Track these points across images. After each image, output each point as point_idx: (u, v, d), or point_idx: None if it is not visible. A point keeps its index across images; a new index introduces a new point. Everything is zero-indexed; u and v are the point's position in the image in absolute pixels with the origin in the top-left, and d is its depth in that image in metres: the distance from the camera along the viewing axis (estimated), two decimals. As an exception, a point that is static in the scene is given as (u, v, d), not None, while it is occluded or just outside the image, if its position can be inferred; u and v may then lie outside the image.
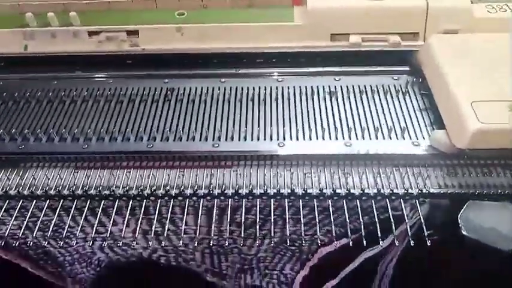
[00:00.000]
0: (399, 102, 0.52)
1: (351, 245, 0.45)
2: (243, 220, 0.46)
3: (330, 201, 0.46)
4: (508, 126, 0.42)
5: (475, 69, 0.47)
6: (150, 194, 0.46)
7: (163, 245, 0.52)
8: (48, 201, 0.47)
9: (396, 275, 0.55)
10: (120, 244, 0.52)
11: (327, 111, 0.52)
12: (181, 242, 0.46)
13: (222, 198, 0.46)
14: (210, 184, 0.46)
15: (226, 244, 0.51)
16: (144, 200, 0.46)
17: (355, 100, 0.53)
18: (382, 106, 0.52)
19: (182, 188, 0.46)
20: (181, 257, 0.56)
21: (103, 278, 0.61)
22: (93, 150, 0.48)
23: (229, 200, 0.46)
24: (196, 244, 0.51)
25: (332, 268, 0.52)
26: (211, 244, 0.52)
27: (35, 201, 0.46)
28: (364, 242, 0.44)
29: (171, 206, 0.46)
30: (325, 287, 0.52)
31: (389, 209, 0.44)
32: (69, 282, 0.62)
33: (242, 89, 0.55)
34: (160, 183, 0.47)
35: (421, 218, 0.44)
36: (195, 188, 0.46)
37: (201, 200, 0.46)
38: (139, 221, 0.47)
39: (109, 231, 0.47)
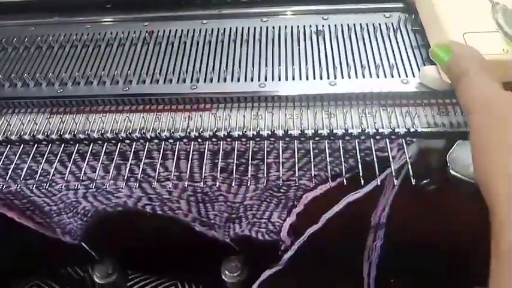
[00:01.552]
0: (390, 40, 0.49)
1: (330, 186, 0.43)
2: (219, 164, 0.44)
3: (311, 142, 0.44)
4: (501, 57, 0.39)
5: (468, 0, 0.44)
6: (125, 137, 0.45)
7: (144, 190, 0.51)
8: (22, 146, 0.46)
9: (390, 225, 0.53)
10: (102, 192, 0.52)
11: (312, 51, 0.49)
12: (155, 185, 0.44)
13: (199, 140, 0.44)
14: (188, 127, 0.44)
15: (208, 189, 0.50)
16: (119, 143, 0.45)
17: (343, 39, 0.50)
18: (371, 44, 0.49)
19: (159, 131, 0.44)
20: (166, 206, 0.55)
21: (92, 228, 0.61)
22: (68, 95, 0.47)
23: (207, 142, 0.44)
24: (175, 189, 0.50)
25: (319, 214, 0.51)
26: (192, 189, 0.51)
27: (8, 146, 0.46)
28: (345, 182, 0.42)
29: (145, 149, 0.45)
30: (308, 232, 0.50)
31: (374, 151, 0.42)
32: (59, 233, 0.62)
33: (224, 30, 0.52)
34: (136, 127, 0.45)
35: (407, 158, 0.41)
36: (172, 130, 0.44)
37: (177, 144, 0.45)
38: (115, 166, 0.46)
39: (88, 178, 0.46)
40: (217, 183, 0.48)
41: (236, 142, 0.44)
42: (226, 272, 0.68)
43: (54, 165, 0.45)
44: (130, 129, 0.45)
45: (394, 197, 0.50)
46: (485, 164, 0.29)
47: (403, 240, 0.56)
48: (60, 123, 0.46)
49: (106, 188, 0.48)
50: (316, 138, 0.44)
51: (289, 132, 0.43)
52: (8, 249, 0.67)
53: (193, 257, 0.70)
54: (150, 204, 0.55)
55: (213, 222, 0.58)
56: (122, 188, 0.52)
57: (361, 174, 0.41)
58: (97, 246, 0.65)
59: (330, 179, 0.42)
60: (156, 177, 0.44)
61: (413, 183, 0.40)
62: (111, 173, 0.46)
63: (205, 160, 0.44)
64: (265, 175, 0.45)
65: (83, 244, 0.64)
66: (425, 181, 0.50)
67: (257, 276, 0.66)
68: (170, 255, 0.70)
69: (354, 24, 0.51)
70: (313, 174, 0.44)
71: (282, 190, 0.51)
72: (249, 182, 0.49)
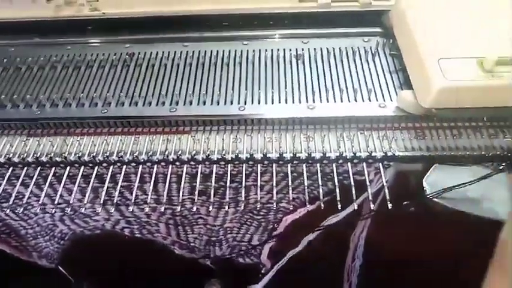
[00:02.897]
0: (368, 64, 0.50)
1: (308, 210, 0.43)
2: (197, 187, 0.44)
3: (289, 165, 0.44)
4: (475, 83, 0.40)
5: (444, 25, 0.45)
6: (103, 161, 0.44)
7: (122, 213, 0.51)
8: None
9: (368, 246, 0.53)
10: (80, 215, 0.51)
11: (292, 75, 0.49)
12: (132, 208, 0.44)
13: (177, 164, 0.44)
14: (166, 150, 0.44)
15: (187, 212, 0.49)
16: (96, 167, 0.44)
17: (322, 63, 0.50)
18: (350, 68, 0.49)
19: (137, 154, 0.44)
20: (145, 229, 0.54)
21: (69, 251, 0.60)
22: (45, 116, 0.46)
23: (185, 166, 0.44)
24: (153, 212, 0.50)
25: (298, 237, 0.51)
26: (171, 213, 0.50)
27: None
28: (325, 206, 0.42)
29: (123, 172, 0.44)
30: (288, 255, 0.50)
31: (351, 174, 0.42)
32: (35, 257, 0.60)
33: (205, 52, 0.52)
34: (114, 149, 0.45)
35: (384, 182, 0.42)
36: (150, 153, 0.44)
37: (155, 167, 0.44)
38: (92, 189, 0.45)
39: (64, 201, 0.46)
40: (195, 207, 0.47)
41: (214, 165, 0.44)
42: (208, 295, 0.67)
43: (30, 188, 0.45)
44: (108, 152, 0.44)
45: (374, 218, 0.50)
46: None
47: (382, 260, 0.56)
48: (37, 146, 0.45)
49: (83, 211, 0.47)
50: (295, 162, 0.44)
51: (267, 156, 0.43)
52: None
53: (174, 280, 0.69)
54: (128, 227, 0.54)
55: (193, 245, 0.57)
56: (99, 212, 0.51)
57: (338, 198, 0.41)
58: (74, 269, 0.64)
59: (307, 202, 0.42)
60: (134, 200, 0.43)
61: (390, 207, 0.40)
62: (87, 196, 0.45)
63: (182, 183, 0.43)
64: (243, 198, 0.45)
65: (60, 268, 0.63)
66: (405, 203, 0.50)
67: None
68: (151, 277, 0.69)
69: (334, 48, 0.52)
70: (291, 198, 0.44)
71: (261, 213, 0.51)
72: (227, 205, 0.48)
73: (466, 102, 0.41)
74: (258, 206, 0.45)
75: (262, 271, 0.57)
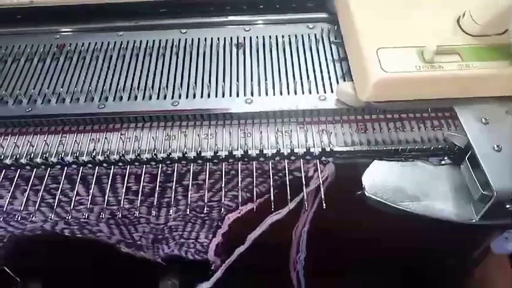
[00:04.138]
0: (311, 52, 0.47)
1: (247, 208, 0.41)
2: (130, 188, 0.42)
3: (224, 164, 0.41)
4: (414, 74, 0.38)
5: (387, 13, 0.42)
6: (26, 163, 0.41)
7: (59, 215, 0.48)
8: None
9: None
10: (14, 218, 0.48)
11: (231, 65, 0.46)
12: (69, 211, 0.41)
13: (104, 165, 0.41)
14: (94, 150, 0.41)
15: (126, 212, 0.47)
16: (19, 170, 0.42)
17: (264, 52, 0.48)
18: (291, 58, 0.47)
19: (62, 155, 0.41)
20: (85, 229, 0.52)
21: (12, 251, 0.58)
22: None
23: (113, 166, 0.41)
24: (91, 213, 0.47)
25: (244, 234, 0.49)
26: (109, 213, 0.48)
27: None
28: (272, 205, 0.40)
29: (47, 174, 0.42)
30: (236, 252, 0.48)
31: (287, 171, 0.40)
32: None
33: (141, 42, 0.49)
34: (39, 151, 0.42)
35: (320, 178, 0.40)
36: (77, 154, 0.41)
37: (81, 168, 0.42)
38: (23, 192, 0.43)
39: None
40: (137, 212, 0.45)
41: (144, 165, 0.42)
42: (164, 290, 0.66)
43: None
44: (33, 154, 0.42)
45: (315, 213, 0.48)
46: None
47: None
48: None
49: (16, 216, 0.45)
50: (230, 160, 0.41)
51: (202, 155, 0.41)
52: None
53: (128, 276, 0.67)
54: (68, 228, 0.52)
55: (140, 243, 0.55)
56: (35, 215, 0.49)
57: (272, 198, 0.39)
58: (19, 270, 0.62)
59: (239, 204, 0.41)
60: (66, 202, 0.41)
61: (324, 207, 0.38)
62: (19, 200, 0.43)
63: (109, 183, 0.41)
64: (174, 198, 0.43)
65: (6, 268, 0.60)
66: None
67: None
68: (104, 275, 0.67)
69: (276, 36, 0.49)
70: (223, 198, 0.42)
71: (204, 211, 0.49)
72: (166, 205, 0.46)
73: (406, 95, 0.39)
74: (196, 206, 0.43)
75: (212, 267, 0.56)
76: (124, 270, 0.65)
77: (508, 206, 0.35)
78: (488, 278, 0.67)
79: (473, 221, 0.37)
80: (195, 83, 0.44)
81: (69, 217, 0.47)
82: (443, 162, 0.41)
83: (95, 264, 0.65)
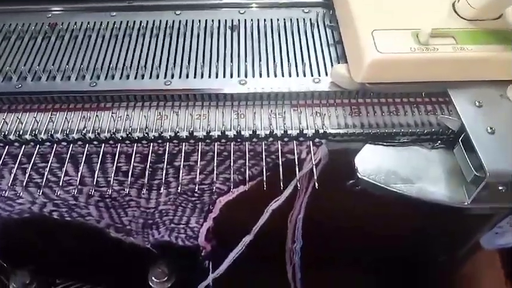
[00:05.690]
0: (306, 36, 0.47)
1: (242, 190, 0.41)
2: (120, 168, 0.41)
3: (216, 144, 0.41)
4: (408, 56, 0.37)
5: (383, -5, 0.42)
6: (15, 140, 0.41)
7: (48, 196, 0.48)
8: None
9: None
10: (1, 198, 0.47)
11: (225, 47, 0.46)
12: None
13: (95, 143, 0.41)
14: (85, 128, 0.41)
15: (116, 194, 0.47)
16: (7, 147, 0.41)
17: (258, 35, 0.47)
18: (286, 41, 0.46)
19: (52, 132, 0.41)
20: (74, 212, 0.51)
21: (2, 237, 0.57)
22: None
23: (103, 144, 0.41)
24: (80, 195, 0.47)
25: (235, 219, 0.49)
26: (99, 195, 0.47)
27: None
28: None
29: (36, 151, 0.41)
30: (242, 242, 0.48)
31: (280, 153, 0.40)
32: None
33: (134, 23, 0.48)
34: (28, 128, 0.41)
35: (313, 160, 0.40)
36: (67, 131, 0.41)
37: (71, 146, 0.41)
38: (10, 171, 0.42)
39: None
40: (126, 190, 0.45)
41: (136, 144, 0.41)
42: (153, 279, 0.65)
43: None
44: (22, 131, 0.41)
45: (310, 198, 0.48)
46: None
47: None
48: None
49: (2, 194, 0.44)
50: (223, 141, 0.41)
51: (194, 134, 0.41)
52: None
53: (119, 263, 0.66)
54: (56, 211, 0.51)
55: (129, 228, 0.55)
56: (22, 195, 0.48)
57: (264, 179, 0.39)
58: (6, 256, 0.61)
59: (231, 185, 0.40)
60: (50, 181, 0.40)
61: (317, 187, 0.38)
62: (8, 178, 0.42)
63: (98, 163, 0.40)
64: (164, 179, 0.43)
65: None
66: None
67: (184, 283, 0.63)
68: (95, 261, 0.66)
69: (272, 19, 0.49)
70: (215, 178, 0.42)
71: (196, 194, 0.48)
72: (157, 187, 0.46)
73: (400, 77, 0.39)
74: (188, 188, 0.43)
75: (203, 253, 0.55)
76: (114, 257, 0.65)
77: (500, 188, 0.35)
78: (477, 273, 0.67)
79: (465, 203, 0.37)
80: (188, 63, 0.44)
81: (58, 194, 0.46)
82: (436, 145, 0.41)
83: (85, 251, 0.64)
